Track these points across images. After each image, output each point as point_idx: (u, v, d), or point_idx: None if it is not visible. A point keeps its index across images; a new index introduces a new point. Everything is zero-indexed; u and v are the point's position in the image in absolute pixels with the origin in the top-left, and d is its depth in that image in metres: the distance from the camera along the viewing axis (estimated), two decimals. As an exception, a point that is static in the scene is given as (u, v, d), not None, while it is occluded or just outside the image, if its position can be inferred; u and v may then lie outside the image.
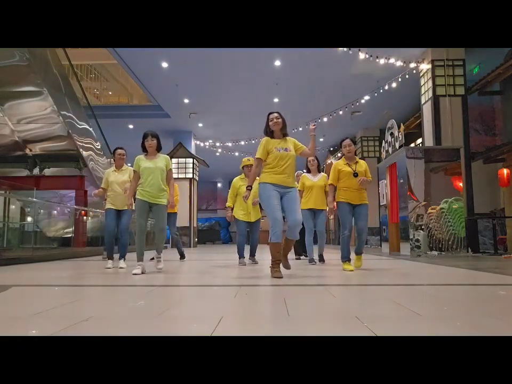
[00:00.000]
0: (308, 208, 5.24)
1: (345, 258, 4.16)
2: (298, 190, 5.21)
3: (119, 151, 4.95)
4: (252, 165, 4.67)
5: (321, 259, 5.34)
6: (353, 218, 4.20)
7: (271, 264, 3.49)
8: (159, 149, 4.25)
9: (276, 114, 3.68)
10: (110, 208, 4.78)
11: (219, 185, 25.77)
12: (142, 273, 3.89)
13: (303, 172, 5.69)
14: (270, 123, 3.66)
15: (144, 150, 4.22)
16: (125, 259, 4.76)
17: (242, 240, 5.38)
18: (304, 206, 5.22)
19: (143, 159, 4.16)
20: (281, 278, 3.31)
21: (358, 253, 4.26)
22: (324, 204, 5.25)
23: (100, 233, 9.62)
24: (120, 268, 4.52)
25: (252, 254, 5.43)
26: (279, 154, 3.56)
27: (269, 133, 3.69)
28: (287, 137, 3.75)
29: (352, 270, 4.03)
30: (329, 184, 4.37)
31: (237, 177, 5.40)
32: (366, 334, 1.36)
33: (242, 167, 5.33)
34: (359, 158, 4.49)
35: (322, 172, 5.70)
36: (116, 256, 4.88)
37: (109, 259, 4.74)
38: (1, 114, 7.56)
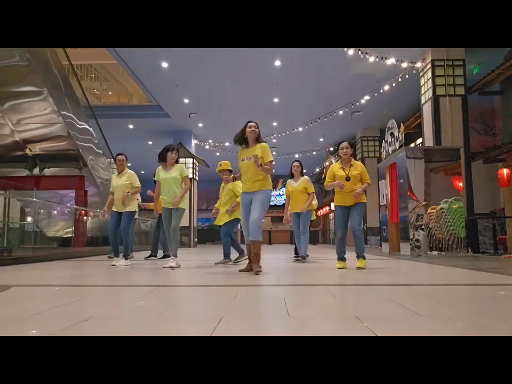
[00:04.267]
0: (294, 212, 5.63)
1: (338, 258, 4.40)
2: (286, 195, 5.77)
3: (119, 157, 5.31)
4: (225, 169, 5.22)
5: (303, 258, 5.53)
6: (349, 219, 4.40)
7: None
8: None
9: (254, 124, 3.91)
10: (113, 211, 5.26)
11: (219, 185, 25.71)
12: (178, 266, 4.58)
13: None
14: (248, 129, 3.86)
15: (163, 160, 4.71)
16: (126, 258, 5.09)
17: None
18: (292, 210, 5.66)
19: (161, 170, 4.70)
20: (247, 271, 3.83)
21: (359, 256, 4.31)
22: (306, 205, 5.63)
23: (100, 233, 9.63)
24: (120, 265, 4.87)
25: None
26: (242, 164, 3.88)
27: (238, 140, 3.93)
28: (260, 144, 3.88)
29: (340, 268, 4.24)
30: (325, 186, 4.56)
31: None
32: (366, 334, 1.36)
33: (218, 171, 5.36)
34: (359, 158, 4.59)
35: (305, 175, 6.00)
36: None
37: (114, 256, 5.24)
38: (1, 114, 7.57)
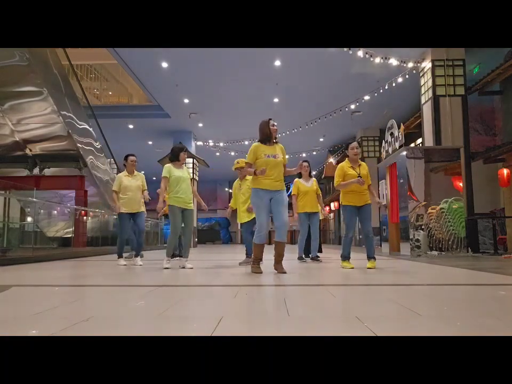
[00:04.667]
0: (304, 211, 5.56)
1: (345, 258, 4.36)
2: (293, 194, 5.62)
3: (131, 157, 5.35)
4: (242, 167, 5.06)
5: (316, 259, 5.56)
6: (357, 220, 4.40)
7: (252, 262, 3.87)
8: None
9: (275, 122, 3.96)
10: (122, 212, 5.21)
11: (219, 185, 25.78)
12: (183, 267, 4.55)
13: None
14: (272, 128, 3.87)
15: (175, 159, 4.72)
16: (141, 257, 5.38)
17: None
18: (301, 209, 5.57)
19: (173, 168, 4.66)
20: (261, 273, 3.71)
21: (370, 257, 4.32)
22: (317, 206, 5.62)
23: (101, 233, 9.64)
24: (139, 265, 5.04)
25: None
26: (267, 161, 3.77)
27: (265, 138, 3.88)
28: (278, 145, 3.95)
29: (352, 267, 4.23)
30: (336, 185, 4.49)
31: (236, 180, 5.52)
32: (366, 334, 1.36)
33: (235, 169, 5.39)
34: (359, 159, 4.58)
35: (314, 176, 6.03)
36: (124, 255, 5.46)
37: (119, 257, 5.26)
38: (1, 114, 7.56)
